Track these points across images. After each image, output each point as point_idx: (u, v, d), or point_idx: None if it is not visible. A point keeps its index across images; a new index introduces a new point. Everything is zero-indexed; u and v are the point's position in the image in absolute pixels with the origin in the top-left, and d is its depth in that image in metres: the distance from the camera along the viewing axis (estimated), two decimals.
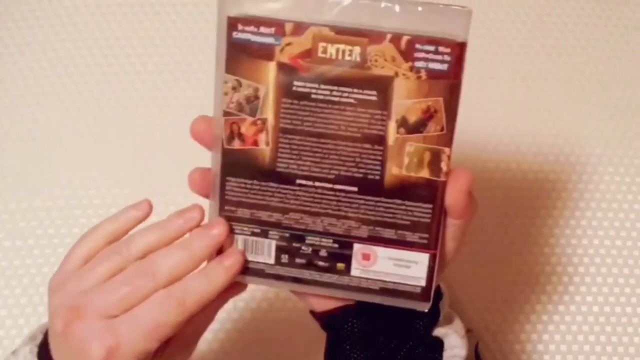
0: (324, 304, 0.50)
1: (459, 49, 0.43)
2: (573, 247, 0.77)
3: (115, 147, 0.80)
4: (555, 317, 0.75)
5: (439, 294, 0.51)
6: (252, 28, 0.44)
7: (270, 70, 0.44)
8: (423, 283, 0.47)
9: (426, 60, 0.43)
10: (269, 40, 0.44)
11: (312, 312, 0.52)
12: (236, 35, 0.44)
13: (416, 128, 0.44)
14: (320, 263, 0.48)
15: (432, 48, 0.43)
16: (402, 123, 0.44)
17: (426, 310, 0.48)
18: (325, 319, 0.51)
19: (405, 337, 0.49)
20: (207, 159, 0.48)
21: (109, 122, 0.80)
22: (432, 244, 0.46)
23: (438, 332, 0.51)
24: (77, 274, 0.48)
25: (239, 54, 0.44)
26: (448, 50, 0.43)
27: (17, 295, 0.73)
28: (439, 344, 0.50)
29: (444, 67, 0.43)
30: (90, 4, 0.84)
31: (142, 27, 0.84)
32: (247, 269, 0.48)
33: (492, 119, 0.82)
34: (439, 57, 0.43)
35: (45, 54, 0.82)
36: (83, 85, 0.82)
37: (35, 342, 0.51)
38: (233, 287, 0.49)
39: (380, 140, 0.45)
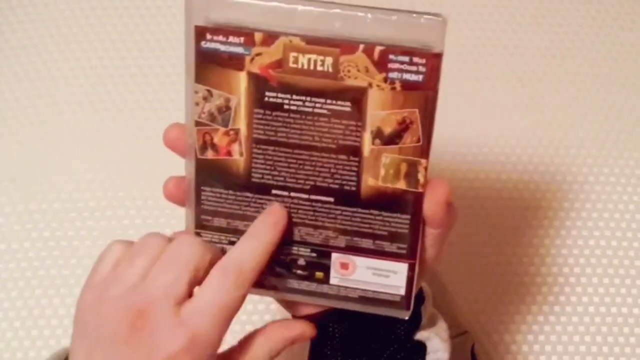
0: (305, 310, 0.50)
1: (434, 60, 0.42)
2: (569, 247, 0.78)
3: (110, 150, 0.80)
4: (551, 318, 0.75)
5: (420, 297, 0.51)
6: (220, 37, 0.43)
7: (241, 81, 0.43)
8: (402, 292, 0.47)
9: (400, 71, 0.42)
10: (239, 50, 0.43)
11: (294, 317, 0.52)
12: (205, 44, 0.43)
13: (392, 139, 0.43)
14: (299, 272, 0.47)
15: (406, 59, 0.42)
16: (377, 134, 0.44)
17: (406, 318, 0.48)
18: None
19: (386, 342, 0.49)
20: None
21: (104, 125, 0.80)
22: (410, 253, 0.46)
23: (420, 335, 0.50)
24: (112, 278, 0.44)
25: (209, 64, 0.43)
26: (423, 61, 0.42)
27: (12, 298, 0.73)
28: (421, 348, 0.50)
29: (419, 78, 0.42)
30: (85, 7, 0.84)
31: (138, 29, 0.84)
32: None
33: (487, 120, 0.82)
34: (414, 67, 0.42)
35: (40, 56, 0.82)
36: (78, 89, 0.82)
37: None
38: None
39: (356, 151, 0.44)
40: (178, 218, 0.49)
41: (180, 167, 0.46)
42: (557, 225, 0.78)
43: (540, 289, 0.76)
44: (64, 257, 0.75)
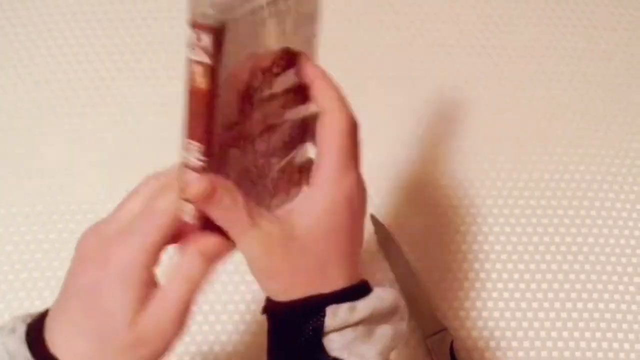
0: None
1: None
2: (546, 244, 0.79)
3: (93, 153, 0.80)
4: (529, 314, 0.76)
5: (361, 289, 0.48)
6: None
7: None
8: None
9: None
10: None
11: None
12: None
13: None
14: None
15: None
16: None
17: None
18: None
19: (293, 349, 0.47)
20: None
21: (86, 127, 0.81)
22: None
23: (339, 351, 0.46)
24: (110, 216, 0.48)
25: None
26: None
27: None
28: None
29: None
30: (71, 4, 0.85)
31: (123, 25, 0.85)
32: None
33: (463, 120, 0.83)
34: None
35: (21, 61, 0.83)
36: (60, 92, 0.82)
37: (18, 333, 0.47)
38: None
39: None
40: None
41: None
42: (533, 222, 0.79)
43: (518, 285, 0.77)
44: (47, 260, 0.75)
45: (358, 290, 0.47)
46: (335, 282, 0.47)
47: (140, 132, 0.81)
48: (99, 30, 0.85)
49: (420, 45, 0.86)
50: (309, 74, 0.47)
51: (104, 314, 0.44)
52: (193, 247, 0.46)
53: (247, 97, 0.44)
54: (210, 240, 0.46)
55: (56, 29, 0.84)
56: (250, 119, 0.45)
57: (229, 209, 0.44)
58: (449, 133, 0.82)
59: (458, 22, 0.87)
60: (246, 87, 0.44)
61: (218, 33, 0.39)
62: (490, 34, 0.87)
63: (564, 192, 0.81)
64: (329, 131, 0.46)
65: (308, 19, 0.47)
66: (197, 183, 0.43)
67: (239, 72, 0.42)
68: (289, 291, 0.46)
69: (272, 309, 0.48)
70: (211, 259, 0.46)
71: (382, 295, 0.48)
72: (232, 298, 0.74)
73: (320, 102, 0.47)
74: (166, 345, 0.45)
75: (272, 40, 0.44)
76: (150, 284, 0.45)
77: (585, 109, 0.85)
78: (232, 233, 0.45)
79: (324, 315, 0.45)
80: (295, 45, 0.46)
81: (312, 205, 0.46)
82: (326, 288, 0.46)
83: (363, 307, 0.46)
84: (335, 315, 0.46)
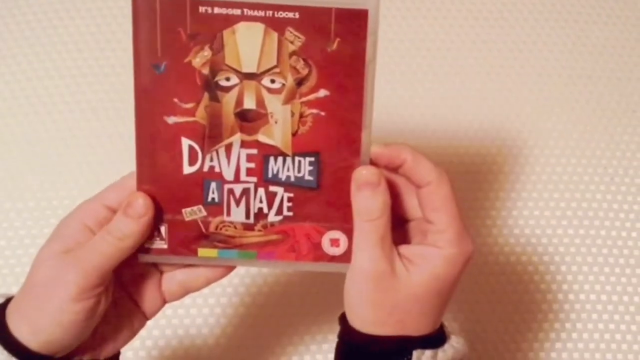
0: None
1: None
2: (535, 244, 0.79)
3: (85, 150, 0.80)
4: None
5: (441, 336, 0.52)
6: None
7: None
8: None
9: None
10: None
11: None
12: None
13: None
14: None
15: None
16: None
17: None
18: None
19: None
20: None
21: (78, 124, 0.81)
22: None
23: None
24: None
25: None
26: None
27: None
28: None
29: None
30: (59, 9, 0.85)
31: (110, 29, 0.85)
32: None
33: (456, 114, 0.83)
34: None
35: (14, 58, 0.83)
36: (54, 89, 0.82)
37: None
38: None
39: None
40: None
41: None
42: (536, 215, 0.80)
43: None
44: None
45: (439, 338, 0.51)
46: (424, 328, 0.50)
47: (129, 135, 0.81)
48: (97, 26, 0.85)
49: (412, 40, 0.87)
50: (403, 152, 0.50)
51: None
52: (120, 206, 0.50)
53: None
54: (138, 199, 0.49)
55: (54, 24, 0.85)
56: None
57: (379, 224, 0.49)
58: (437, 127, 0.83)
59: (448, 17, 0.88)
60: None
61: None
62: (481, 28, 0.87)
63: (556, 185, 0.81)
64: (441, 198, 0.49)
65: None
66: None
67: None
68: (380, 325, 0.50)
69: (354, 337, 0.51)
70: (134, 216, 0.49)
71: (457, 346, 0.51)
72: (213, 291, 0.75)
73: (425, 174, 0.49)
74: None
75: None
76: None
77: (575, 103, 0.85)
78: (359, 245, 0.49)
79: (410, 358, 0.49)
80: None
81: (432, 262, 0.49)
82: (415, 332, 0.50)
83: (442, 355, 0.50)
84: (418, 359, 0.49)
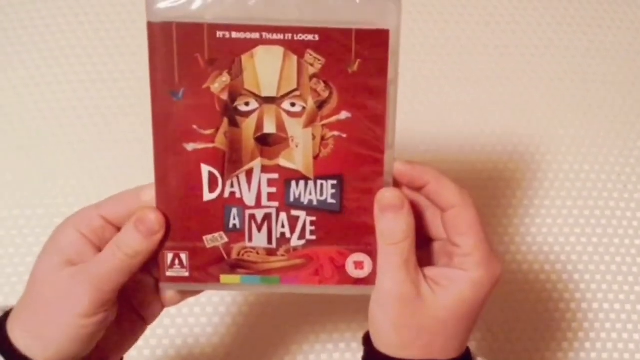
0: None
1: None
2: (539, 250, 0.78)
3: (93, 155, 0.80)
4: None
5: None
6: None
7: None
8: None
9: None
10: None
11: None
12: None
13: None
14: None
15: None
16: None
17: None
18: None
19: None
20: None
21: (87, 130, 0.81)
22: None
23: None
24: None
25: None
26: None
27: None
28: None
29: None
30: (67, 14, 0.85)
31: (119, 35, 0.84)
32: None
33: (467, 119, 0.83)
34: None
35: (23, 63, 0.82)
36: (61, 94, 0.82)
37: None
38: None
39: None
40: None
41: None
42: (549, 223, 0.79)
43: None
44: None
45: None
46: (451, 351, 0.50)
47: (143, 135, 0.81)
48: (106, 31, 0.84)
49: (422, 45, 0.86)
50: (426, 174, 0.49)
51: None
52: (130, 221, 0.49)
53: None
54: (149, 215, 0.49)
55: (63, 29, 0.84)
56: None
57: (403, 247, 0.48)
58: (448, 133, 0.82)
59: (460, 22, 0.87)
60: None
61: None
62: (492, 34, 0.86)
63: (569, 192, 0.80)
64: (467, 222, 0.49)
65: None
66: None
67: None
68: (406, 348, 0.49)
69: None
70: (146, 233, 0.48)
71: None
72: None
73: (449, 198, 0.49)
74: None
75: None
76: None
77: (588, 108, 0.84)
78: (383, 268, 0.49)
79: None
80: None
81: (459, 285, 0.49)
82: (441, 355, 0.49)
83: None
84: None
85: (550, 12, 0.88)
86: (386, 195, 0.49)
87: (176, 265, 0.50)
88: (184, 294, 0.54)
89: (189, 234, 0.49)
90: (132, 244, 0.48)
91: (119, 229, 0.50)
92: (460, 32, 0.87)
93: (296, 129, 0.48)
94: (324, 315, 0.75)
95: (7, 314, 0.50)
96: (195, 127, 0.48)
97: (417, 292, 0.48)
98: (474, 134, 0.82)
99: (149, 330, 0.71)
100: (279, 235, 0.50)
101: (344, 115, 0.48)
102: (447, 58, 0.86)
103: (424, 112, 0.82)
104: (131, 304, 0.53)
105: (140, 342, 0.72)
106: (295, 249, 0.50)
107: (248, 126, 0.48)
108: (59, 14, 0.84)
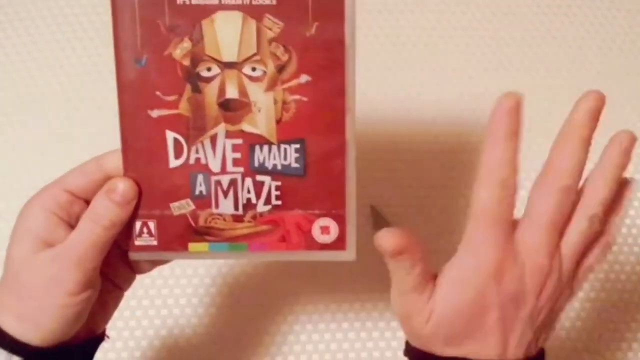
0: None
1: None
2: None
3: (91, 148, 0.79)
4: None
5: None
6: None
7: None
8: None
9: None
10: None
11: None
12: None
13: None
14: None
15: None
16: None
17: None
18: None
19: None
20: None
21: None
22: None
23: None
24: None
25: None
26: None
27: None
28: None
29: None
30: (64, 6, 0.85)
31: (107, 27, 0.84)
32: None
33: (464, 110, 0.83)
34: None
35: (19, 56, 0.83)
36: (58, 87, 0.82)
37: None
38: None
39: None
40: None
41: None
42: None
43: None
44: None
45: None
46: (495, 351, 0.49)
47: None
48: (102, 23, 0.85)
49: (419, 35, 0.86)
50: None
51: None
52: (101, 192, 0.49)
53: None
54: (120, 184, 0.49)
55: (58, 21, 0.84)
56: None
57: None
58: (443, 124, 0.82)
59: (456, 12, 0.87)
60: None
61: None
62: (488, 23, 0.86)
63: None
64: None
65: None
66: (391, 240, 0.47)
67: None
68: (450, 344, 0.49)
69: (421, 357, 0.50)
70: (121, 202, 0.49)
71: None
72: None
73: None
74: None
75: None
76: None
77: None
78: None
79: None
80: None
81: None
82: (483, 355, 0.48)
83: None
84: None
85: (546, 1, 0.88)
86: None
87: (144, 233, 0.50)
88: (155, 263, 0.54)
89: (156, 201, 0.50)
90: (108, 215, 0.48)
91: (86, 202, 0.50)
92: (456, 23, 0.87)
93: (258, 94, 0.48)
94: (312, 295, 0.76)
95: None
96: (158, 93, 0.48)
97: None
98: (471, 125, 0.82)
99: (134, 321, 0.72)
100: (245, 201, 0.50)
101: (303, 78, 0.48)
102: (444, 48, 0.86)
103: (419, 102, 0.82)
104: (106, 274, 0.53)
105: (125, 333, 0.73)
106: (261, 214, 0.50)
107: (210, 92, 0.48)
108: (54, 5, 0.85)
